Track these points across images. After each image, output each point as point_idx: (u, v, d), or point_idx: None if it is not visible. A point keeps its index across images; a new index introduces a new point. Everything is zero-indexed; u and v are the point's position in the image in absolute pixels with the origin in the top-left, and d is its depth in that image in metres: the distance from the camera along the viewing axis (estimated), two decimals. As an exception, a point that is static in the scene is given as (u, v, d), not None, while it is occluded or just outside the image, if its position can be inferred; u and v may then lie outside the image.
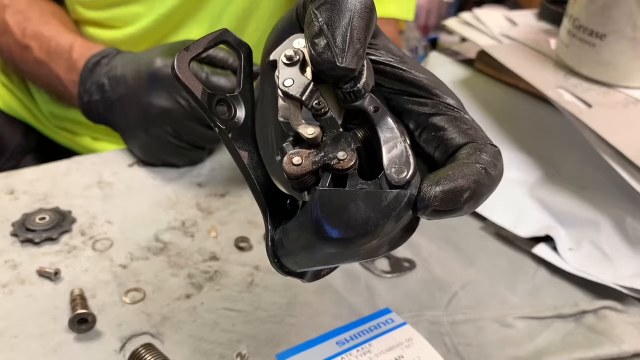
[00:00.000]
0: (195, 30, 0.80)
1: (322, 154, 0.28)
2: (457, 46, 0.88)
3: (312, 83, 0.29)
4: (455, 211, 0.26)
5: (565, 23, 0.68)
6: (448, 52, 0.84)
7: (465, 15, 0.82)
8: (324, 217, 0.26)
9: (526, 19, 0.81)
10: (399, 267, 0.57)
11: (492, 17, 0.80)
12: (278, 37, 0.32)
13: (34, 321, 0.48)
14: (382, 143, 0.27)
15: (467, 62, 0.80)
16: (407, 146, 0.27)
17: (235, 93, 0.31)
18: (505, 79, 0.73)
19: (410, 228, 0.27)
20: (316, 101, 0.29)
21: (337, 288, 0.54)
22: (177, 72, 0.29)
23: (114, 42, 0.78)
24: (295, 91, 0.29)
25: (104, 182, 0.65)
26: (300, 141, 0.29)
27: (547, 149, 0.68)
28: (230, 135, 0.30)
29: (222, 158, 0.71)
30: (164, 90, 0.61)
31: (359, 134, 0.29)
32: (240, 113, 0.31)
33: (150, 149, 0.65)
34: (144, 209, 0.62)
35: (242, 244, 0.58)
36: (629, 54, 0.63)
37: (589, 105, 0.62)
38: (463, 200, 0.26)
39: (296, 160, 0.28)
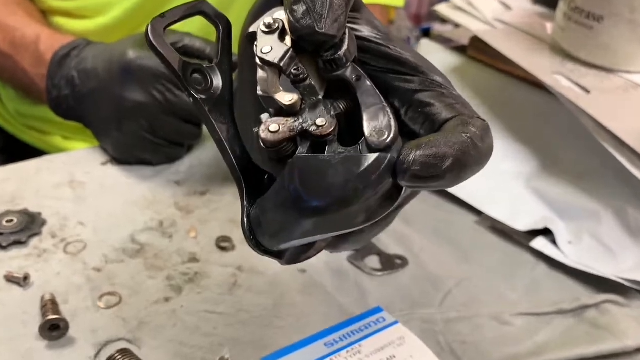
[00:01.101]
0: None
1: (301, 121, 0.28)
2: (449, 33, 0.89)
3: (291, 49, 0.29)
4: (437, 178, 0.27)
5: (562, 6, 0.69)
6: (440, 40, 0.85)
7: (457, 0, 0.83)
8: (301, 183, 0.26)
9: (521, 3, 0.82)
10: (391, 264, 0.58)
11: (486, 1, 0.81)
12: (257, 13, 0.33)
13: (2, 328, 0.48)
14: (363, 109, 0.28)
15: (460, 50, 0.81)
16: (389, 111, 0.28)
17: (213, 64, 0.32)
18: (499, 66, 0.74)
19: (389, 197, 0.28)
20: (295, 67, 0.29)
21: (326, 287, 0.54)
22: (152, 38, 0.30)
23: (85, 33, 0.78)
24: (273, 57, 0.29)
25: (75, 182, 0.65)
26: (280, 114, 0.30)
27: (544, 137, 0.69)
28: (205, 106, 0.31)
29: (201, 154, 0.71)
30: (138, 83, 0.61)
31: (340, 104, 0.29)
32: (217, 84, 0.31)
33: (124, 146, 0.65)
34: (119, 209, 0.62)
35: (223, 244, 0.58)
36: (627, 36, 0.64)
37: (587, 91, 0.63)
38: (446, 168, 0.26)
39: (273, 127, 0.28)
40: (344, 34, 0.29)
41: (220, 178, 0.68)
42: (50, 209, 0.61)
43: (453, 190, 0.65)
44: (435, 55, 0.81)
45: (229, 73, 0.32)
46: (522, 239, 0.61)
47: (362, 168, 0.26)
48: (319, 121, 0.28)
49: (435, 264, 0.58)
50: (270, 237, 0.29)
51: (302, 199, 0.26)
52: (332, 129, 0.28)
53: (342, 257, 0.58)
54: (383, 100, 0.28)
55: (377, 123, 0.27)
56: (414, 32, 2.07)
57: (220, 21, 0.32)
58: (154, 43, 0.30)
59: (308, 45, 0.29)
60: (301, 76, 0.29)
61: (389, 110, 0.28)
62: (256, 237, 0.30)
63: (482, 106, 0.73)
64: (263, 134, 0.28)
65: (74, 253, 0.57)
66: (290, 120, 0.29)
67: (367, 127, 0.27)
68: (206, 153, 0.72)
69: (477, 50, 0.77)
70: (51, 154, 0.71)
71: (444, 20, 0.86)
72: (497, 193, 0.66)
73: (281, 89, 0.29)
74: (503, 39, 0.72)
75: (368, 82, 0.29)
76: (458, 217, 0.65)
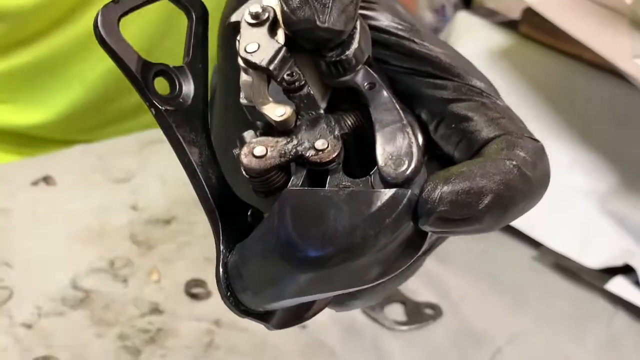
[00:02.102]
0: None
1: (295, 143, 0.29)
2: (495, 3, 0.90)
3: (284, 48, 0.30)
4: (471, 222, 0.26)
5: (645, -34, 0.71)
6: (482, 12, 0.87)
7: (505, -41, 0.84)
8: (294, 226, 0.26)
9: (590, -37, 0.84)
10: (419, 315, 0.58)
11: (543, -40, 0.83)
12: None
13: None
14: (377, 128, 0.28)
15: (510, 25, 0.82)
16: (410, 132, 0.28)
17: (182, 64, 0.32)
18: (562, 47, 0.75)
19: (411, 245, 0.28)
20: (289, 72, 0.30)
21: (333, 349, 0.55)
22: (102, 31, 0.30)
23: (16, 8, 0.80)
24: (260, 58, 0.29)
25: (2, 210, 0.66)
26: (269, 129, 0.30)
27: (623, 143, 0.69)
28: (171, 120, 0.30)
29: (164, 169, 0.72)
30: None
31: (348, 120, 0.30)
32: (188, 90, 0.31)
33: None
34: (56, 244, 0.63)
35: (195, 290, 0.59)
36: None
37: (680, 81, 0.64)
38: (483, 207, 0.26)
39: (258, 150, 0.29)
40: (354, 27, 0.30)
41: (189, 201, 0.69)
42: (-36, 245, 0.62)
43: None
44: (476, 34, 0.82)
45: (202, 76, 0.32)
46: (595, 279, 0.62)
47: (374, 208, 0.26)
48: (319, 143, 0.28)
49: (478, 315, 0.59)
50: (254, 294, 0.29)
51: (295, 247, 0.26)
52: (336, 154, 0.28)
53: (354, 306, 0.59)
54: (403, 117, 0.28)
55: (394, 148, 0.27)
56: (450, -1, 2.09)
57: (193, 7, 0.33)
58: (105, 38, 0.30)
59: (307, 43, 0.30)
60: (297, 83, 0.29)
61: (409, 130, 0.28)
62: (235, 293, 0.30)
63: (540, 100, 0.74)
64: (246, 160, 0.29)
65: (-5, 304, 0.58)
66: (282, 141, 0.29)
67: (382, 154, 0.27)
68: (170, 167, 0.73)
69: (532, 27, 0.78)
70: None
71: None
72: (562, 218, 0.66)
73: (270, 99, 0.30)
74: (566, 12, 0.73)
75: (385, 93, 0.29)
76: (509, 252, 0.65)
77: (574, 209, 0.67)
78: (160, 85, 0.31)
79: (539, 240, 0.65)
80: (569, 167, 0.70)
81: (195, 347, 0.55)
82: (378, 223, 0.26)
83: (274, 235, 0.27)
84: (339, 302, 0.33)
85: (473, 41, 0.81)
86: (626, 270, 0.62)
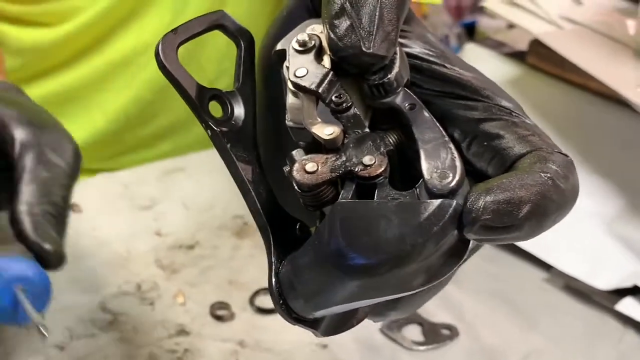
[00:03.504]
0: (150, 23, 0.85)
1: (344, 159, 0.31)
2: (502, 35, 0.93)
3: (331, 72, 0.32)
4: (512, 230, 0.28)
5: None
6: (490, 43, 0.89)
7: (512, -8, 0.87)
8: (345, 237, 0.28)
9: (594, -5, 0.86)
10: (436, 335, 0.60)
11: (549, -7, 0.85)
12: (284, 25, 0.36)
13: None
14: (420, 145, 0.30)
15: (517, 56, 0.85)
16: (452, 147, 0.30)
17: (233, 89, 0.34)
18: (568, 77, 0.78)
19: (454, 253, 0.29)
20: (336, 94, 0.32)
21: (353, 367, 0.57)
22: (163, 58, 0.32)
23: (40, 42, 0.83)
24: (309, 82, 0.32)
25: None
26: (314, 148, 0.32)
27: (630, 168, 0.72)
28: (225, 140, 0.33)
29: (186, 196, 0.75)
30: None
31: (391, 137, 0.32)
32: (239, 113, 0.34)
33: None
34: (84, 269, 0.65)
35: (220, 312, 0.61)
36: None
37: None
38: (523, 216, 0.28)
39: (310, 166, 0.31)
40: (395, 53, 0.32)
41: (212, 226, 0.71)
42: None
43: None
44: (484, 64, 0.84)
45: (252, 99, 0.35)
46: (605, 300, 0.64)
47: (422, 218, 0.28)
48: (367, 159, 0.30)
49: (493, 334, 0.61)
50: (305, 301, 0.31)
51: (346, 256, 0.28)
52: (383, 168, 0.30)
53: (373, 327, 0.61)
54: (444, 134, 0.30)
55: (438, 162, 0.29)
56: (453, 29, 2.10)
57: (242, 37, 0.35)
58: (166, 65, 0.32)
59: (352, 67, 0.32)
60: (344, 105, 0.32)
61: (452, 146, 0.30)
62: (287, 302, 0.32)
63: (548, 128, 0.76)
64: (298, 175, 0.30)
65: (29, 326, 0.60)
66: (332, 158, 0.31)
67: (427, 168, 0.29)
68: (193, 193, 0.75)
69: (539, 57, 0.81)
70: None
71: (492, 15, 0.90)
72: (572, 241, 0.68)
73: (319, 120, 0.32)
74: (572, 43, 0.76)
75: (425, 113, 0.31)
76: (521, 274, 0.67)
77: (583, 232, 0.69)
78: (214, 108, 0.33)
79: (549, 263, 0.67)
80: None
81: (221, 366, 0.57)
82: (426, 231, 0.28)
83: (325, 245, 0.29)
84: (378, 313, 0.35)
85: (481, 71, 0.84)
86: (635, 291, 0.64)
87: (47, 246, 0.46)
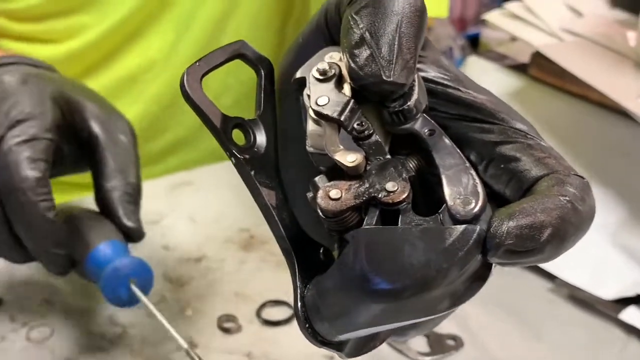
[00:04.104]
0: (155, 42, 0.86)
1: (367, 186, 0.31)
2: (504, 47, 0.94)
3: (352, 100, 0.33)
4: (535, 253, 0.29)
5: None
6: (492, 56, 0.90)
7: (513, 5, 0.88)
8: (370, 262, 0.29)
9: (595, 8, 0.87)
10: (441, 346, 0.61)
11: (550, 6, 0.86)
12: (301, 52, 0.37)
13: None
14: (441, 171, 0.31)
15: (519, 68, 0.86)
16: (473, 173, 0.31)
17: (255, 117, 0.35)
18: (569, 89, 0.79)
19: (478, 277, 0.30)
20: (358, 122, 0.32)
21: (359, 378, 0.58)
22: (188, 89, 0.33)
23: (46, 60, 0.84)
24: (331, 110, 0.32)
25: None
26: (334, 175, 0.33)
27: (631, 178, 0.72)
28: (249, 168, 0.34)
29: (193, 210, 0.76)
30: None
31: (411, 163, 0.32)
32: (261, 140, 0.35)
33: None
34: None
35: (227, 325, 0.62)
36: None
37: (683, 119, 0.67)
38: (545, 239, 0.29)
39: (334, 193, 0.31)
40: (413, 80, 0.32)
41: (219, 239, 0.72)
42: (7, 286, 0.65)
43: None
44: (487, 77, 0.85)
45: (273, 126, 0.35)
46: (608, 310, 0.65)
47: (447, 243, 0.28)
48: (389, 186, 0.31)
49: (498, 344, 0.62)
50: (330, 325, 0.31)
51: (371, 281, 0.29)
52: (406, 194, 0.31)
53: (378, 338, 0.61)
54: (464, 159, 0.31)
55: (460, 188, 0.30)
56: (457, 41, 2.12)
57: (261, 65, 0.36)
58: (191, 95, 0.33)
59: (373, 95, 0.33)
60: (366, 132, 0.32)
61: (473, 172, 0.31)
62: (312, 325, 0.32)
63: (549, 140, 0.76)
64: (322, 202, 0.31)
65: (38, 340, 0.60)
66: (355, 184, 0.31)
67: (449, 194, 0.30)
68: (200, 207, 0.76)
69: (540, 69, 0.81)
70: None
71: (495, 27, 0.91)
72: (576, 252, 0.68)
73: (341, 147, 0.32)
74: (573, 55, 0.77)
75: (445, 139, 0.32)
76: (526, 284, 0.68)
77: (586, 242, 0.69)
78: (236, 136, 0.34)
79: (554, 274, 0.68)
80: (580, 203, 0.73)
81: (229, 378, 0.58)
82: (451, 257, 0.29)
83: (350, 269, 0.30)
84: (400, 333, 0.35)
85: (484, 84, 0.84)
86: (638, 300, 0.64)
87: (131, 224, 0.57)
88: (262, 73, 0.36)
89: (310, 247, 0.34)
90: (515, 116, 0.34)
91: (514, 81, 0.84)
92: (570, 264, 0.68)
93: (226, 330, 0.62)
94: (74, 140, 0.58)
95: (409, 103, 0.32)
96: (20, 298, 0.64)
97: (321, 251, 0.35)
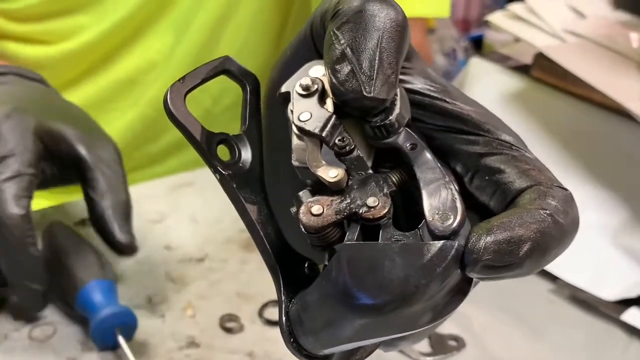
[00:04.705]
0: (154, 43, 0.87)
1: (348, 201, 0.32)
2: (507, 49, 0.94)
3: (334, 116, 0.33)
4: (513, 268, 0.29)
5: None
6: (495, 57, 0.91)
7: (516, 6, 0.88)
8: (352, 277, 0.29)
9: (598, 9, 0.88)
10: (443, 346, 0.61)
11: (552, 8, 0.87)
12: (288, 65, 0.37)
13: None
14: (422, 186, 0.31)
15: (522, 69, 0.86)
16: (454, 188, 0.31)
17: (240, 132, 0.36)
18: (572, 90, 0.79)
19: (458, 291, 0.30)
20: (339, 137, 0.33)
21: (361, 378, 0.58)
22: (171, 107, 0.33)
23: (44, 60, 0.84)
24: (313, 126, 0.33)
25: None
26: (320, 189, 0.33)
27: (633, 180, 0.73)
28: (233, 183, 0.34)
29: (194, 210, 0.76)
30: None
31: (393, 177, 0.33)
32: (246, 156, 0.35)
33: None
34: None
35: (229, 324, 0.63)
36: None
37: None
38: (523, 254, 0.29)
39: (316, 209, 0.32)
40: (395, 95, 0.33)
41: (220, 239, 0.72)
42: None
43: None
44: (489, 78, 0.86)
45: (258, 142, 0.36)
46: (610, 311, 0.65)
47: (426, 259, 0.29)
48: (370, 201, 0.31)
49: (500, 345, 0.62)
50: (315, 339, 0.32)
51: (353, 296, 0.29)
52: (387, 210, 0.31)
53: (380, 338, 0.62)
54: (445, 174, 0.31)
55: (439, 204, 0.30)
56: (460, 42, 2.13)
57: (247, 80, 0.36)
58: (174, 113, 0.33)
59: (354, 110, 0.33)
60: (347, 147, 0.33)
61: (453, 187, 0.31)
62: (297, 339, 0.33)
63: (553, 141, 0.78)
64: (304, 218, 0.31)
65: (41, 339, 0.61)
66: (336, 200, 0.32)
67: (428, 209, 0.30)
68: (201, 207, 0.77)
69: (543, 70, 0.82)
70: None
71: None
72: (577, 253, 0.68)
73: (323, 162, 0.33)
74: (576, 56, 0.77)
75: (427, 153, 0.32)
76: (527, 285, 0.68)
77: (588, 244, 0.70)
78: (222, 152, 0.35)
79: (555, 275, 0.69)
80: (581, 205, 0.71)
81: (231, 377, 0.58)
82: (429, 272, 0.29)
83: (333, 284, 0.30)
84: (388, 343, 0.36)
85: (487, 85, 0.85)
86: (640, 301, 0.65)
87: (126, 240, 0.59)
88: (248, 88, 0.36)
89: (295, 261, 0.35)
90: (502, 127, 0.34)
91: (516, 82, 0.84)
92: (572, 265, 0.68)
93: (228, 330, 0.62)
94: (60, 164, 0.61)
95: (390, 117, 0.33)
96: (22, 297, 0.65)
97: (306, 265, 0.35)
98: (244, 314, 0.64)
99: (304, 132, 0.33)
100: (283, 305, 0.33)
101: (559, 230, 0.30)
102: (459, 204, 0.30)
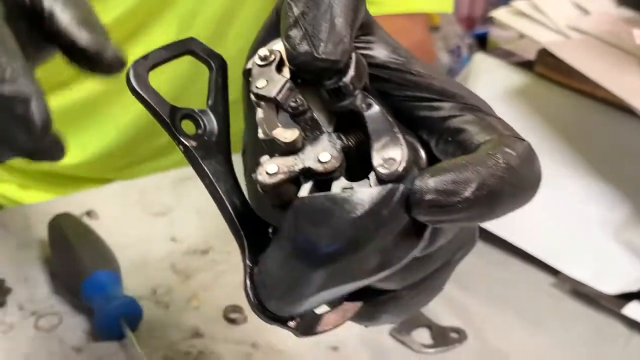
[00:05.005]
0: (158, 37, 0.87)
1: (302, 158, 0.33)
2: (511, 45, 0.95)
3: (289, 81, 0.34)
4: (460, 210, 0.29)
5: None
6: (499, 53, 0.91)
7: (520, 3, 0.89)
8: (303, 228, 0.30)
9: (601, 6, 0.88)
10: (445, 338, 0.62)
11: (556, 4, 0.87)
12: (256, 48, 0.38)
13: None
14: (372, 139, 0.32)
15: (525, 65, 0.86)
16: (400, 137, 0.32)
17: (206, 108, 0.37)
18: (576, 86, 0.80)
19: (410, 235, 0.31)
20: (293, 99, 0.34)
21: (363, 369, 0.59)
22: (134, 82, 0.35)
23: None
24: (267, 91, 0.34)
25: (44, 241, 0.71)
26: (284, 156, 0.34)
27: (636, 175, 0.73)
28: (198, 154, 0.35)
29: (199, 203, 0.77)
30: None
31: (351, 137, 0.34)
32: (212, 129, 0.36)
33: None
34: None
35: (233, 315, 0.63)
36: None
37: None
38: (469, 195, 0.29)
39: (271, 168, 0.32)
40: (350, 57, 0.33)
41: (224, 231, 0.72)
42: (14, 275, 0.67)
43: (521, 243, 0.70)
44: (493, 74, 0.86)
45: (224, 116, 0.37)
46: (611, 304, 0.66)
47: (372, 203, 0.30)
48: (322, 156, 0.32)
49: (501, 338, 0.63)
50: (278, 299, 0.33)
51: (306, 247, 0.30)
52: (338, 164, 0.32)
53: (383, 331, 0.62)
54: (394, 125, 0.32)
55: (386, 152, 0.31)
56: (465, 39, 2.13)
57: (212, 60, 0.38)
58: (137, 88, 0.35)
59: (308, 74, 0.34)
60: (300, 108, 0.34)
61: (400, 136, 0.32)
62: (262, 302, 0.33)
63: (556, 136, 0.78)
64: (260, 177, 0.32)
65: (47, 329, 0.62)
66: (291, 159, 0.33)
67: (376, 157, 0.31)
68: (205, 200, 0.77)
69: (546, 67, 0.82)
70: (8, 208, 0.77)
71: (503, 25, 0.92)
72: (579, 247, 0.70)
73: (279, 125, 0.33)
74: (580, 52, 0.78)
75: (377, 107, 0.33)
76: (528, 279, 0.69)
77: (590, 238, 0.71)
78: (189, 127, 0.36)
79: (557, 268, 0.69)
80: (584, 199, 0.74)
81: (234, 367, 0.59)
82: (376, 216, 0.30)
83: (286, 240, 0.31)
84: (369, 316, 0.36)
85: (490, 81, 0.86)
86: (641, 295, 0.66)
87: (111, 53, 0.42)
88: (214, 67, 0.38)
89: (260, 227, 0.36)
90: (469, 95, 0.35)
91: (519, 78, 0.85)
92: (574, 259, 0.69)
93: (232, 321, 0.63)
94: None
95: (344, 79, 0.33)
96: (28, 287, 0.66)
97: (270, 231, 0.36)
98: (248, 305, 0.64)
99: (259, 98, 0.34)
100: (247, 269, 0.34)
101: (514, 176, 0.30)
102: (404, 150, 0.31)
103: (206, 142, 0.36)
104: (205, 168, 0.36)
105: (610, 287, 0.66)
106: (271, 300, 0.33)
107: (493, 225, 0.71)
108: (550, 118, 0.80)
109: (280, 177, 0.32)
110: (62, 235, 0.67)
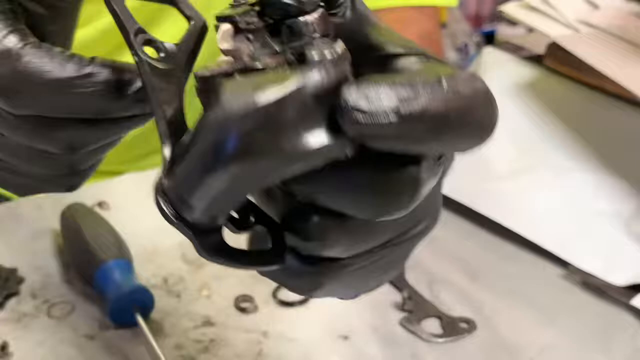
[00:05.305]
0: (169, 28, 0.87)
1: (240, 60, 0.33)
2: (520, 39, 0.95)
3: (252, 9, 0.35)
4: (390, 127, 0.25)
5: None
6: (508, 47, 0.91)
7: (530, -3, 0.89)
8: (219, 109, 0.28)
9: (611, 0, 0.88)
10: (454, 329, 0.63)
11: (566, -2, 0.88)
12: None
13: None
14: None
15: (535, 59, 0.87)
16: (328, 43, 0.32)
17: (173, 44, 0.38)
18: (585, 80, 0.80)
19: (308, 118, 0.27)
20: (246, 18, 0.34)
21: (375, 357, 0.59)
22: None
23: None
24: (227, 14, 0.35)
25: (56, 231, 0.71)
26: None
27: (645, 168, 0.74)
28: (151, 72, 0.36)
29: (211, 195, 0.77)
30: None
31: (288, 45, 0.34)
32: (171, 60, 0.37)
33: None
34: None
35: (244, 304, 0.64)
36: None
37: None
38: (402, 111, 0.25)
39: (209, 69, 0.33)
40: (317, 6, 0.33)
41: (235, 224, 0.73)
42: (28, 265, 0.67)
43: (531, 236, 0.70)
44: (502, 67, 0.87)
45: (187, 59, 0.38)
46: (621, 296, 0.66)
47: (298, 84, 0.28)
48: (259, 54, 0.33)
49: (510, 329, 0.63)
50: (189, 197, 0.31)
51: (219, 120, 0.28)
52: (277, 62, 0.32)
53: (393, 320, 0.63)
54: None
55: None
56: (473, 37, 2.14)
57: (194, 19, 0.40)
58: (112, 2, 0.36)
59: (273, 12, 0.34)
60: (252, 26, 0.34)
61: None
62: (179, 211, 0.34)
63: (566, 130, 0.78)
64: (198, 71, 0.33)
65: (59, 317, 0.62)
66: (231, 62, 0.33)
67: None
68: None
69: (556, 60, 0.83)
70: (15, 200, 0.78)
71: (512, 22, 0.92)
72: (589, 239, 0.70)
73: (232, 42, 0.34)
74: (589, 46, 0.78)
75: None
76: (538, 270, 0.70)
77: (599, 230, 0.71)
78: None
79: (566, 260, 0.70)
80: (593, 192, 0.74)
81: (245, 355, 0.59)
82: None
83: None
84: (309, 283, 0.34)
85: (500, 75, 0.86)
86: (650, 287, 0.66)
87: None
88: (192, 23, 0.40)
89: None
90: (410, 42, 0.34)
91: (529, 72, 0.85)
92: (584, 251, 0.69)
93: (243, 310, 0.64)
94: None
95: (305, 18, 0.33)
96: (41, 275, 0.66)
97: None
98: (259, 294, 0.65)
99: (219, 20, 0.35)
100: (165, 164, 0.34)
101: (459, 102, 0.26)
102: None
103: (163, 69, 0.37)
104: (153, 83, 0.36)
105: (620, 278, 0.67)
106: (184, 204, 0.33)
107: (502, 217, 0.71)
108: (560, 111, 0.80)
109: (215, 71, 0.32)
110: (75, 224, 0.67)
